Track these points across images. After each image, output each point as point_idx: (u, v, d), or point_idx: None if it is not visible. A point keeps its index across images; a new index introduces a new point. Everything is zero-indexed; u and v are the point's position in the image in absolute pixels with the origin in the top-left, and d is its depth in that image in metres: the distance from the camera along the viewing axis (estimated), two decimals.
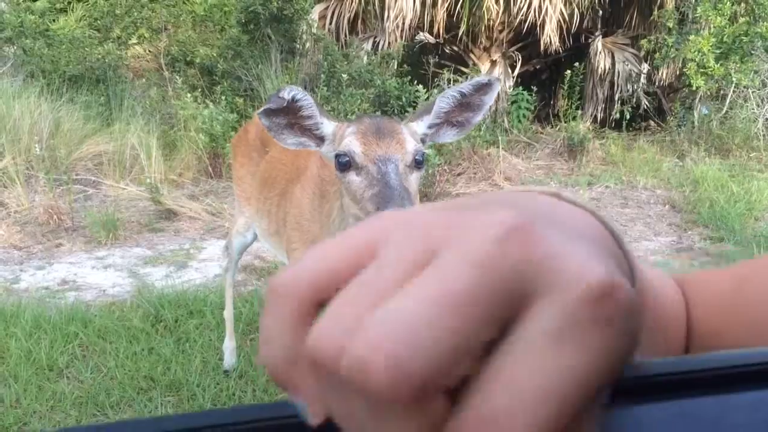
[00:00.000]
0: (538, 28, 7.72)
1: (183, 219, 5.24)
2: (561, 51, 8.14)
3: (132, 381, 2.89)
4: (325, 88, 6.70)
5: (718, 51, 7.32)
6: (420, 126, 1.58)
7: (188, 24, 8.97)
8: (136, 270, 4.29)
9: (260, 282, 4.01)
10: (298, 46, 7.31)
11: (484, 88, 1.58)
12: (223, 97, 6.67)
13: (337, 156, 1.52)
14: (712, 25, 7.42)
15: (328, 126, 1.61)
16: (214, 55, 7.25)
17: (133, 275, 4.20)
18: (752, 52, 7.37)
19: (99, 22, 9.19)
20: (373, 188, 1.43)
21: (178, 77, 7.23)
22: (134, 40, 9.25)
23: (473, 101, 1.60)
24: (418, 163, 1.52)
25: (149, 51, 9.23)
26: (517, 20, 7.71)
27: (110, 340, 3.23)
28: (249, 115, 6.52)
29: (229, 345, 3.02)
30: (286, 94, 1.50)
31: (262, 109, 1.52)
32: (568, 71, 7.57)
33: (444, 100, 1.58)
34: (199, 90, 6.99)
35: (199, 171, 6.30)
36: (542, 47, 7.93)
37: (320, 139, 1.62)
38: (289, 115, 1.55)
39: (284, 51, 7.11)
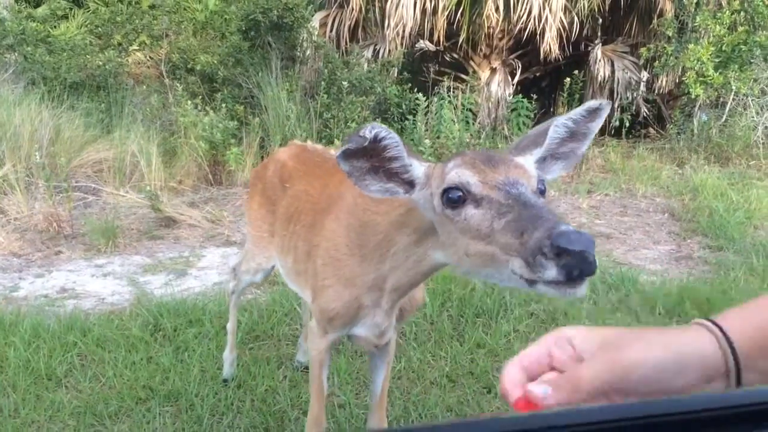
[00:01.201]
0: (538, 36, 7.74)
1: (182, 226, 5.24)
2: (561, 59, 8.17)
3: (130, 391, 2.89)
4: (326, 96, 6.72)
5: (717, 60, 7.34)
6: (528, 160, 1.36)
7: (189, 31, 9.00)
8: (135, 278, 4.29)
9: (259, 291, 4.01)
10: (298, 53, 7.33)
11: (594, 113, 1.41)
12: (224, 105, 6.68)
13: (446, 191, 1.28)
14: (711, 34, 7.45)
15: (418, 168, 1.37)
16: (215, 62, 7.25)
17: (133, 283, 4.19)
18: (751, 60, 7.39)
19: (100, 29, 9.23)
20: (506, 216, 1.17)
21: (178, 84, 7.23)
22: (135, 47, 9.28)
23: (579, 129, 1.43)
24: (542, 193, 1.27)
25: (150, 58, 9.25)
26: (517, 28, 7.74)
27: (109, 349, 3.23)
28: (249, 122, 6.53)
29: (229, 356, 3.02)
30: (368, 132, 1.29)
31: (340, 150, 1.31)
32: (568, 79, 7.58)
33: (557, 130, 1.39)
34: (200, 97, 7.00)
35: (199, 178, 6.31)
36: (542, 55, 7.95)
37: (409, 184, 1.38)
38: (373, 158, 1.34)
39: (284, 58, 7.13)
